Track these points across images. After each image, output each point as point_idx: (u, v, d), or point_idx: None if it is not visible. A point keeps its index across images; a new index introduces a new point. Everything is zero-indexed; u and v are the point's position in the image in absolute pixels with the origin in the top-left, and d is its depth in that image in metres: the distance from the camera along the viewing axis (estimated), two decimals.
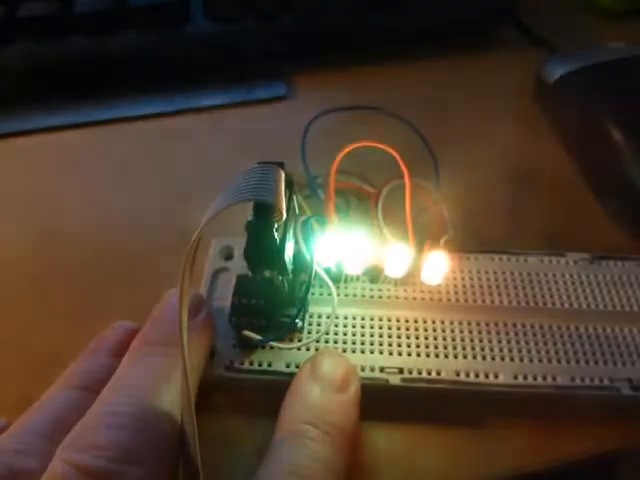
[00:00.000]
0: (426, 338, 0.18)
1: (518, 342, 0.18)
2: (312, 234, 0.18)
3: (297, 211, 0.18)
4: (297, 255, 0.18)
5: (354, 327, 0.19)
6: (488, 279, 0.20)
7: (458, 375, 0.18)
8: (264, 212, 0.15)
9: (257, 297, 0.18)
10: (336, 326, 0.19)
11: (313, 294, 0.20)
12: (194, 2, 0.29)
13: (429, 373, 0.18)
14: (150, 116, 0.28)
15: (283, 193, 0.15)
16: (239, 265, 0.20)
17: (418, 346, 0.18)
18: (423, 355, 0.18)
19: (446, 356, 0.18)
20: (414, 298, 0.19)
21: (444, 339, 0.18)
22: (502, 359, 0.18)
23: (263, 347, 0.18)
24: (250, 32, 0.29)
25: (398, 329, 0.19)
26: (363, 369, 0.18)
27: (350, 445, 0.16)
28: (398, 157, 0.20)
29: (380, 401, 0.17)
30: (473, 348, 0.18)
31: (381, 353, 0.18)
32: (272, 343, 0.18)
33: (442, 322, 0.19)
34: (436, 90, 0.28)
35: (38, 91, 0.28)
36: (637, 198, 0.22)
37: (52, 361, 0.17)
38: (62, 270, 0.22)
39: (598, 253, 0.21)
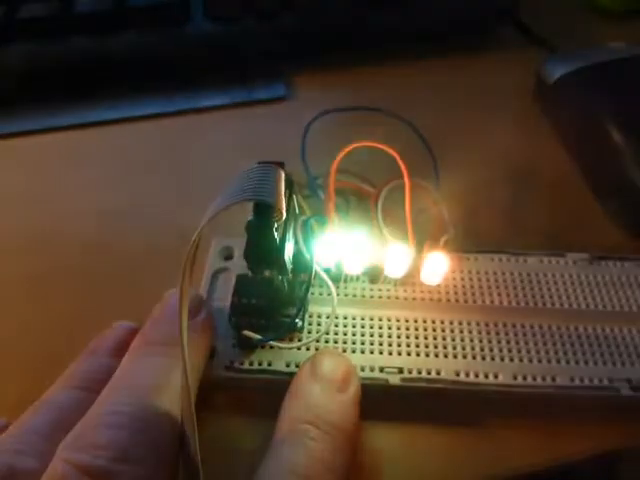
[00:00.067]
0: (426, 338, 0.18)
1: (518, 342, 0.18)
2: (312, 234, 0.18)
3: (297, 211, 0.18)
4: (297, 255, 0.18)
5: (354, 327, 0.19)
6: (488, 279, 0.20)
7: (458, 375, 0.18)
8: (264, 212, 0.15)
9: (257, 297, 0.18)
10: (336, 326, 0.19)
11: (313, 294, 0.20)
12: (194, 2, 0.29)
13: (429, 373, 0.18)
14: (150, 116, 0.28)
15: (283, 193, 0.15)
16: (239, 265, 0.20)
17: (418, 346, 0.18)
18: (423, 355, 0.18)
19: (446, 356, 0.18)
20: (414, 298, 0.19)
21: (444, 339, 0.18)
22: (502, 359, 0.18)
23: (263, 347, 0.18)
24: (250, 32, 0.29)
25: (398, 329, 0.19)
26: (363, 369, 0.18)
27: (350, 445, 0.16)
28: (398, 157, 0.20)
29: (380, 401, 0.17)
30: (473, 348, 0.18)
31: (381, 353, 0.18)
32: (272, 343, 0.18)
33: (442, 322, 0.19)
34: (436, 90, 0.28)
35: (38, 91, 0.28)
36: (637, 198, 0.22)
37: (52, 361, 0.17)
38: (62, 270, 0.22)
39: (598, 253, 0.21)
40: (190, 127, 0.28)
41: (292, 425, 0.15)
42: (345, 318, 0.19)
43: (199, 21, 0.29)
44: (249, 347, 0.18)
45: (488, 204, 0.23)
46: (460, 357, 0.18)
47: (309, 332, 0.19)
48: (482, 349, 0.18)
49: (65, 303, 0.21)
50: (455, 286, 0.20)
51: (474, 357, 0.18)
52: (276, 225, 0.15)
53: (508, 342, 0.18)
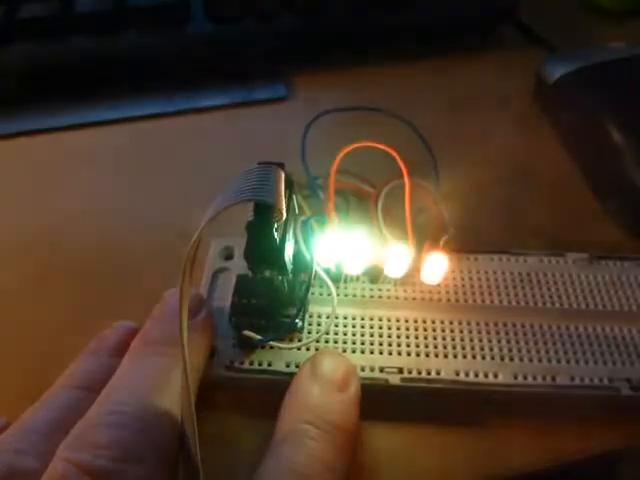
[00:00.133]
0: (426, 338, 0.18)
1: (518, 342, 0.18)
2: (312, 234, 0.18)
3: (297, 211, 0.18)
4: (297, 255, 0.18)
5: (354, 327, 0.19)
6: (488, 279, 0.20)
7: (458, 375, 0.18)
8: (264, 212, 0.15)
9: (257, 297, 0.18)
10: (336, 326, 0.19)
11: (313, 294, 0.20)
12: (194, 2, 0.29)
13: (429, 373, 0.18)
14: (150, 116, 0.28)
15: (283, 193, 0.15)
16: (239, 265, 0.20)
17: (418, 346, 0.18)
18: (423, 355, 0.18)
19: (446, 356, 0.18)
20: (414, 298, 0.19)
21: (444, 339, 0.18)
22: (502, 359, 0.18)
23: (263, 347, 0.18)
24: (250, 32, 0.29)
25: (398, 329, 0.19)
26: (363, 369, 0.18)
27: (350, 445, 0.16)
28: (398, 157, 0.20)
29: (380, 401, 0.17)
30: (473, 348, 0.18)
31: (381, 353, 0.18)
32: (272, 343, 0.18)
33: (442, 322, 0.19)
34: (436, 90, 0.28)
35: (38, 91, 0.28)
36: (637, 198, 0.22)
37: (52, 361, 0.17)
38: (62, 270, 0.22)
39: (597, 253, 0.21)
40: (190, 127, 0.28)
41: (292, 425, 0.15)
42: (345, 318, 0.19)
43: (199, 21, 0.29)
44: (249, 347, 0.18)
45: (488, 204, 0.23)
46: (460, 357, 0.18)
47: (309, 332, 0.19)
48: (482, 349, 0.18)
49: (65, 303, 0.21)
50: (455, 286, 0.20)
51: (474, 357, 0.18)
52: (276, 225, 0.15)
53: (508, 342, 0.18)
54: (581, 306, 0.19)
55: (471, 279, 0.20)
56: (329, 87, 0.29)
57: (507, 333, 0.18)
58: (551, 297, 0.19)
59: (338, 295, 0.19)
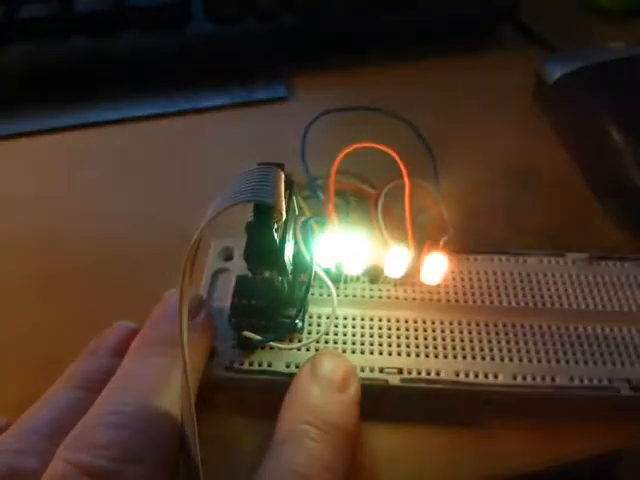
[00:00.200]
0: (425, 338, 0.18)
1: (517, 342, 0.18)
2: (312, 235, 0.18)
3: (297, 212, 0.18)
4: (297, 256, 0.18)
5: (354, 327, 0.19)
6: (487, 280, 0.20)
7: (458, 375, 0.18)
8: (264, 213, 0.15)
9: (257, 298, 0.18)
10: (336, 326, 0.19)
11: (313, 294, 0.20)
12: (194, 3, 0.29)
13: (428, 373, 0.18)
14: (150, 116, 0.28)
15: (283, 194, 0.15)
16: (239, 266, 0.20)
17: (417, 346, 0.18)
18: (422, 355, 0.18)
19: (445, 356, 0.18)
20: (414, 298, 0.19)
21: (443, 339, 0.18)
22: (502, 359, 0.18)
23: (263, 347, 0.18)
24: (250, 32, 0.29)
25: (398, 329, 0.19)
26: (363, 369, 0.18)
27: (350, 445, 0.16)
28: (398, 157, 0.20)
29: (380, 401, 0.17)
30: (472, 348, 0.18)
31: (380, 353, 0.18)
32: (272, 343, 0.18)
33: (442, 322, 0.19)
34: (436, 90, 0.28)
35: (38, 92, 0.28)
36: (637, 198, 0.22)
37: (52, 361, 0.17)
38: (62, 270, 0.22)
39: (597, 253, 0.21)
40: (190, 127, 0.28)
41: (292, 425, 0.15)
42: (345, 319, 0.19)
43: (199, 21, 0.29)
44: (249, 348, 0.18)
45: (488, 204, 0.23)
46: (460, 357, 0.18)
47: (309, 333, 0.19)
48: (482, 349, 0.18)
49: (65, 303, 0.21)
50: (455, 286, 0.20)
51: (474, 357, 0.18)
52: (276, 226, 0.15)
53: (508, 342, 0.18)
54: (581, 306, 0.19)
55: (471, 279, 0.20)
56: (329, 87, 0.29)
57: (507, 333, 0.18)
58: (551, 297, 0.19)
59: (338, 295, 0.19)
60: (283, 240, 0.16)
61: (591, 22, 0.32)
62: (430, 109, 0.27)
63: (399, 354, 0.18)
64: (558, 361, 0.18)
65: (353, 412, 0.16)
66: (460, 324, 0.19)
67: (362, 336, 0.18)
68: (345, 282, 0.20)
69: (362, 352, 0.18)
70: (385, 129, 0.22)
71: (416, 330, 0.19)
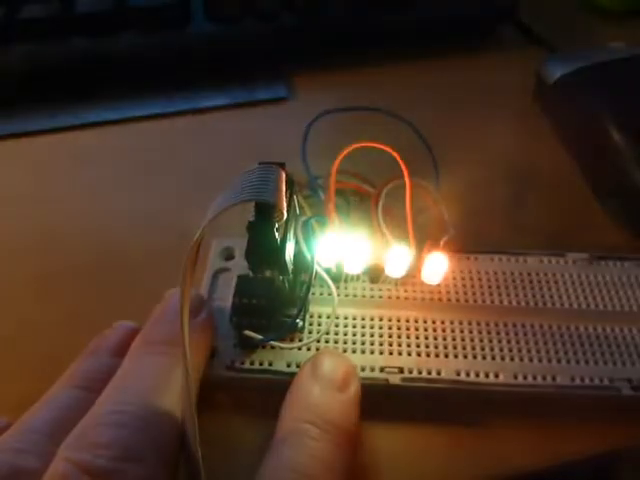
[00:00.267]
0: (426, 338, 0.18)
1: (518, 342, 0.18)
2: (312, 234, 0.18)
3: (298, 211, 0.18)
4: (298, 255, 0.18)
5: (354, 327, 0.19)
6: (488, 279, 0.20)
7: (458, 375, 0.18)
8: (265, 212, 0.15)
9: (258, 297, 0.18)
10: (336, 326, 0.19)
11: (313, 294, 0.20)
12: (194, 3, 0.29)
13: (429, 373, 0.18)
14: (150, 116, 0.28)
15: (284, 193, 0.15)
16: (240, 265, 0.20)
17: (418, 346, 0.18)
18: (423, 355, 0.18)
19: (446, 356, 0.18)
20: (414, 298, 0.19)
21: (444, 339, 0.18)
22: (502, 359, 0.18)
23: (264, 347, 0.18)
24: (250, 32, 0.29)
25: (398, 329, 0.19)
26: (363, 369, 0.18)
27: (350, 445, 0.16)
28: (398, 157, 0.20)
29: (380, 401, 0.17)
30: (473, 348, 0.18)
31: (381, 353, 0.18)
32: (273, 343, 0.18)
33: (442, 322, 0.19)
34: (436, 90, 0.28)
35: (38, 92, 0.28)
36: (637, 198, 0.22)
37: (53, 361, 0.17)
38: (62, 270, 0.22)
39: (598, 253, 0.21)
40: (190, 127, 0.28)
41: (293, 425, 0.15)
42: (345, 318, 0.19)
43: (199, 21, 0.29)
44: (250, 347, 0.18)
45: (488, 204, 0.23)
46: (460, 357, 0.18)
47: (310, 332, 0.19)
48: (482, 349, 0.18)
49: (65, 303, 0.21)
50: (455, 286, 0.20)
51: (474, 357, 0.18)
52: (277, 225, 0.15)
53: (508, 342, 0.18)
54: (581, 306, 0.19)
55: (471, 279, 0.20)
56: (329, 87, 0.29)
57: (507, 333, 0.18)
58: (551, 297, 0.19)
59: (339, 295, 0.19)
60: (284, 239, 0.16)
61: (591, 22, 0.32)
62: (430, 109, 0.27)
63: (399, 353, 0.18)
64: (559, 361, 0.18)
65: (354, 411, 0.16)
66: (461, 324, 0.19)
67: (363, 335, 0.18)
68: (346, 281, 0.20)
69: (363, 351, 0.18)
70: (385, 129, 0.22)
71: (417, 330, 0.19)
